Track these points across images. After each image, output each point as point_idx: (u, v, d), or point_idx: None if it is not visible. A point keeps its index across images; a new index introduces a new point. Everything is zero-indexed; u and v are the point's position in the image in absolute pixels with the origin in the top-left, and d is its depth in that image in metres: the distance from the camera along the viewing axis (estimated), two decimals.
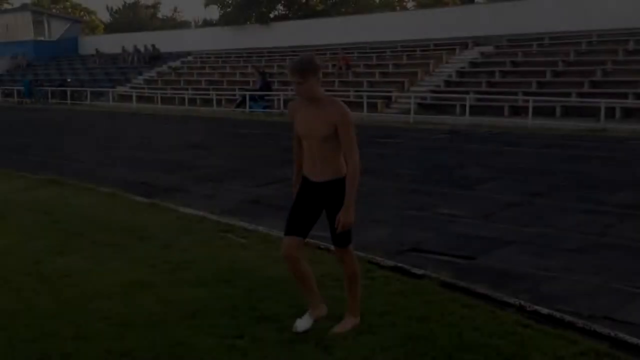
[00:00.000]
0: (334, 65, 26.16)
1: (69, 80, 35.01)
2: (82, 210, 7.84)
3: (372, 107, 21.36)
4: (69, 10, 62.09)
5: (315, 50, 29.13)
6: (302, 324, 3.95)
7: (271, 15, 38.21)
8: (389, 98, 22.25)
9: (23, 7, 45.56)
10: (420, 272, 5.11)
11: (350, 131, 3.72)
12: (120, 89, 32.45)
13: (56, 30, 44.80)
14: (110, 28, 61.48)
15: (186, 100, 27.34)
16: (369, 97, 21.31)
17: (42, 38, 44.32)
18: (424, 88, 22.40)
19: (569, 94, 18.41)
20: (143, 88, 31.58)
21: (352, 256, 4.07)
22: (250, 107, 23.33)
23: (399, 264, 5.33)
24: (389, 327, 4.05)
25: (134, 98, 29.40)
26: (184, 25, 63.09)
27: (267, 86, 24.49)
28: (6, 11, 48.88)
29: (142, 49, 36.34)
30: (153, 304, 4.55)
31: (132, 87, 32.08)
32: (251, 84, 26.10)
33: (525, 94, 18.84)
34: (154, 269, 5.38)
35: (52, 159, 12.88)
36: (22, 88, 34.27)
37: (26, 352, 3.84)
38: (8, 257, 5.82)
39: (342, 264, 4.14)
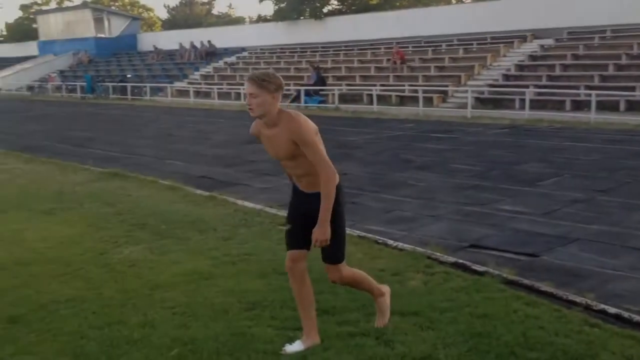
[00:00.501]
0: (388, 60, 26.00)
1: (128, 76, 35.85)
2: (144, 202, 8.04)
3: (428, 101, 21.13)
4: (128, 7, 63.56)
5: (370, 45, 29.13)
6: (292, 348, 3.72)
7: (325, 10, 38.21)
8: (445, 92, 21.97)
9: (83, 5, 46.77)
10: (481, 268, 5.03)
11: (313, 146, 3.46)
12: (178, 85, 33.05)
13: (116, 27, 45.92)
14: (167, 25, 62.66)
15: (242, 95, 27.63)
16: (424, 91, 21.09)
17: (102, 35, 45.49)
18: (482, 82, 22.00)
19: (633, 88, 17.77)
20: (200, 83, 32.10)
21: (344, 274, 3.75)
22: (304, 102, 23.43)
23: (460, 260, 5.27)
24: (450, 323, 4.01)
25: (191, 93, 29.90)
26: (238, 21, 63.77)
27: (321, 81, 24.55)
28: (67, 9, 50.37)
29: (198, 45, 36.91)
30: (215, 295, 4.63)
31: (189, 83, 32.64)
32: (305, 79, 26.18)
33: (588, 88, 18.29)
34: (215, 261, 5.48)
35: (114, 153, 13.23)
36: (84, 84, 35.29)
37: (95, 338, 3.96)
38: (75, 247, 6.03)
39: (337, 283, 3.84)
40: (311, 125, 3.51)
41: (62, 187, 9.23)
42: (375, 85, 23.16)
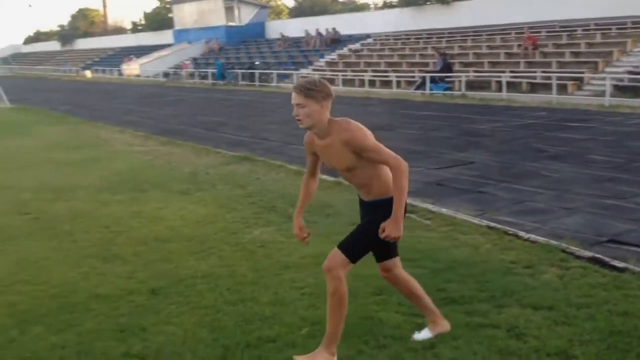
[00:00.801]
0: (519, 46, 24.99)
1: (257, 63, 36.96)
2: (273, 185, 8.29)
3: (562, 89, 20.13)
4: None
5: (499, 30, 28.14)
6: (420, 336, 3.70)
7: None
8: (581, 79, 20.82)
9: None
10: (621, 265, 4.75)
11: (375, 148, 3.22)
12: (303, 71, 33.63)
13: (245, 15, 47.53)
14: (293, 12, 63.84)
15: (366, 82, 27.67)
16: (558, 78, 20.10)
17: (232, 23, 47.22)
18: (621, 69, 20.62)
19: None
20: (324, 70, 32.48)
21: (340, 273, 3.36)
22: (430, 89, 23.10)
23: (597, 255, 5.00)
24: (587, 319, 3.84)
25: None
26: (363, 7, 63.75)
27: (447, 68, 24.03)
28: None
29: (323, 32, 37.35)
30: None
31: (314, 70, 33.13)
32: (431, 65, 25.77)
33: None
34: None
35: (243, 137, 13.71)
36: (215, 71, 36.82)
37: (230, 313, 4.15)
38: (209, 226, 6.33)
39: (326, 275, 3.42)
40: (366, 130, 3.30)
41: (196, 168, 9.71)
42: (504, 72, 22.37)
